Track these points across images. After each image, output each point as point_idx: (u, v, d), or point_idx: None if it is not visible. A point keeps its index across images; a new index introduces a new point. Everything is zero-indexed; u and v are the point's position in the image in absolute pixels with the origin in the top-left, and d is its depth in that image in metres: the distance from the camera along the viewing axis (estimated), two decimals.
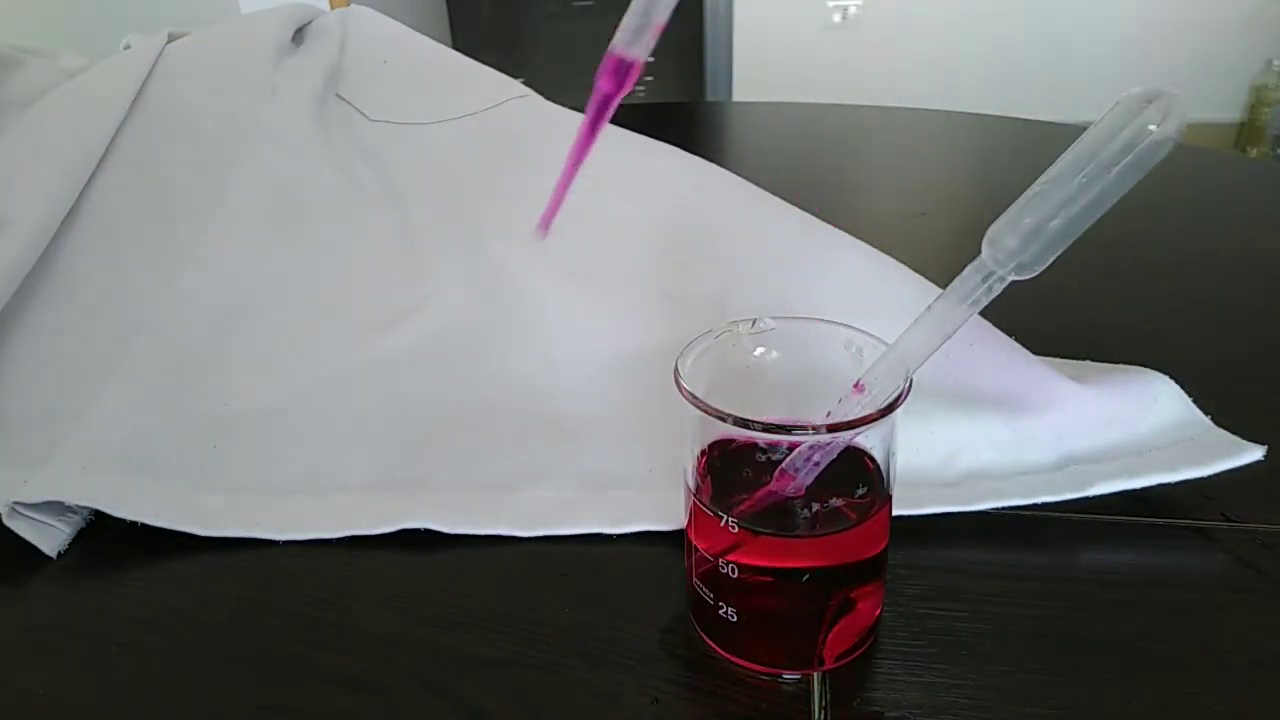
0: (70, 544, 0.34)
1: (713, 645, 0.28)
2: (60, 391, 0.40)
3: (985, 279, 0.23)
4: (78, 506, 0.35)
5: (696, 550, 0.27)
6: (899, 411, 0.24)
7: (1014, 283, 0.23)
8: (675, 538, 0.33)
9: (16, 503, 0.33)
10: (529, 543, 0.34)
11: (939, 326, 0.24)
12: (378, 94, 0.56)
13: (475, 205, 0.50)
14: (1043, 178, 0.22)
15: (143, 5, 1.34)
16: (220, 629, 0.30)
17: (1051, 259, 0.22)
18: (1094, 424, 0.35)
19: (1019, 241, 0.22)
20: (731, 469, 0.27)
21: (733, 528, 0.25)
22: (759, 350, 0.29)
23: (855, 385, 0.25)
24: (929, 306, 0.24)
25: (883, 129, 0.93)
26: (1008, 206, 0.23)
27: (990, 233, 0.23)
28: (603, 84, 0.25)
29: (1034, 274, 0.23)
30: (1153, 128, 0.20)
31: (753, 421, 0.24)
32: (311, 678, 0.28)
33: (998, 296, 0.23)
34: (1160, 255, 0.58)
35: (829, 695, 0.27)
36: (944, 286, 0.24)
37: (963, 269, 0.23)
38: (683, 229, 0.47)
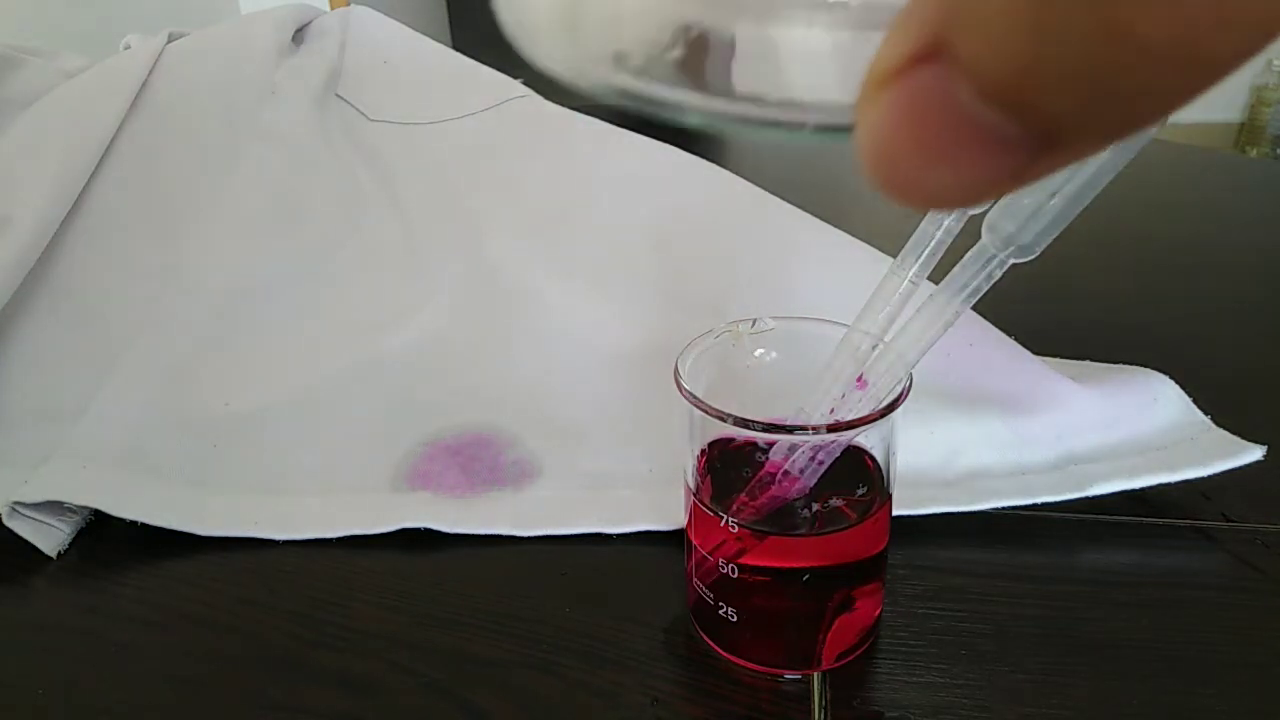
0: (70, 544, 0.34)
1: (713, 645, 0.28)
2: (60, 391, 0.40)
3: (986, 264, 0.23)
4: (78, 506, 0.35)
5: (696, 550, 0.27)
6: (899, 411, 0.24)
7: (1014, 266, 0.23)
8: (675, 538, 0.33)
9: (16, 503, 0.33)
10: (529, 543, 0.34)
11: (941, 314, 0.24)
12: (378, 94, 0.56)
13: (475, 205, 0.50)
14: None
15: (143, 5, 1.34)
16: (220, 629, 0.30)
17: (1049, 240, 0.23)
18: (1094, 424, 0.35)
19: (1018, 224, 0.22)
20: (731, 469, 0.27)
21: (732, 527, 0.25)
22: (759, 350, 0.29)
23: (858, 379, 0.25)
24: (930, 295, 0.24)
25: None
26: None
27: (989, 217, 0.23)
28: None
29: (1033, 255, 0.23)
30: None
31: (753, 421, 0.24)
32: (311, 678, 0.28)
33: (998, 283, 0.23)
34: (1160, 255, 0.58)
35: (829, 695, 0.26)
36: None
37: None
38: (683, 229, 0.47)
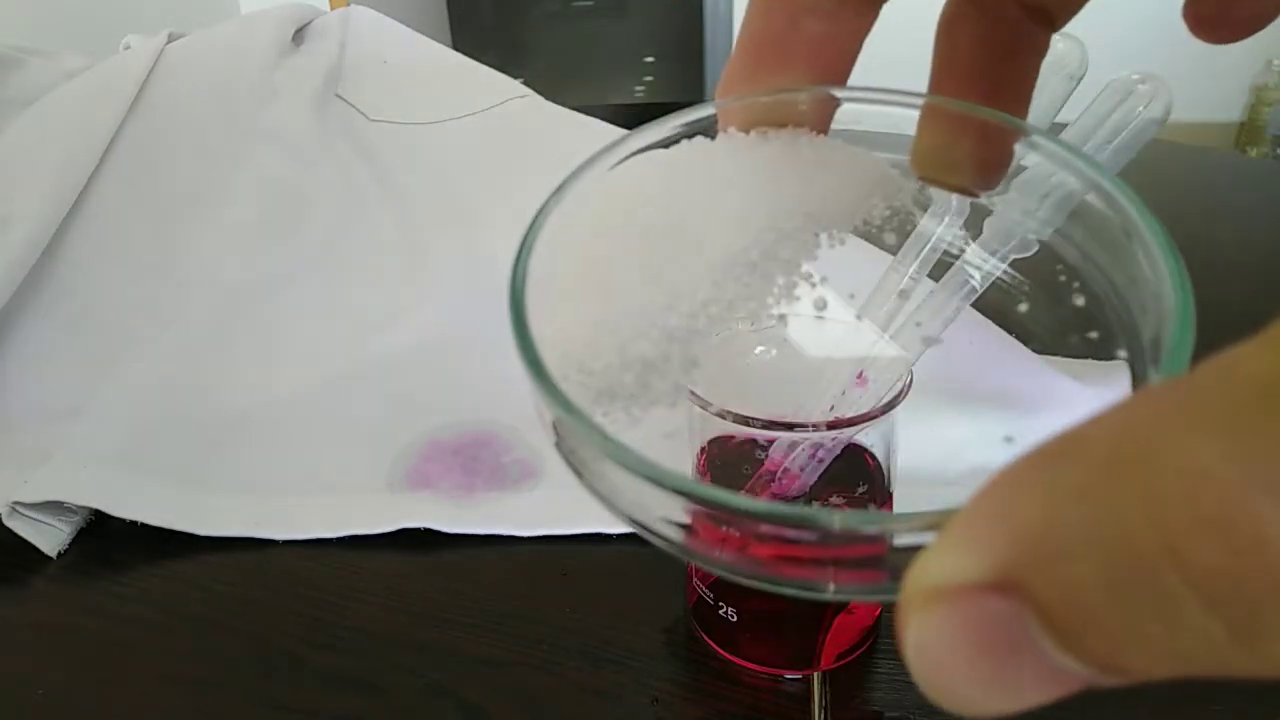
0: (70, 544, 0.34)
1: (713, 645, 0.28)
2: (60, 391, 0.40)
3: (986, 260, 0.23)
4: (78, 506, 0.34)
5: None
6: (899, 409, 0.24)
7: (1014, 262, 0.23)
8: None
9: (16, 503, 0.33)
10: (529, 543, 0.34)
11: (942, 311, 0.24)
12: (378, 94, 0.56)
13: (475, 205, 0.50)
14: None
15: (143, 5, 1.34)
16: (220, 629, 0.30)
17: (1048, 235, 0.23)
18: None
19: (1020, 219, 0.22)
20: (731, 466, 0.27)
21: None
22: (759, 347, 0.29)
23: (858, 376, 0.25)
24: (931, 292, 0.24)
25: None
26: None
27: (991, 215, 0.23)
28: None
29: (1033, 251, 0.23)
30: (1141, 109, 0.21)
31: (752, 419, 0.23)
32: (311, 678, 0.28)
33: (998, 280, 0.23)
34: None
35: (829, 695, 0.26)
36: None
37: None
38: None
